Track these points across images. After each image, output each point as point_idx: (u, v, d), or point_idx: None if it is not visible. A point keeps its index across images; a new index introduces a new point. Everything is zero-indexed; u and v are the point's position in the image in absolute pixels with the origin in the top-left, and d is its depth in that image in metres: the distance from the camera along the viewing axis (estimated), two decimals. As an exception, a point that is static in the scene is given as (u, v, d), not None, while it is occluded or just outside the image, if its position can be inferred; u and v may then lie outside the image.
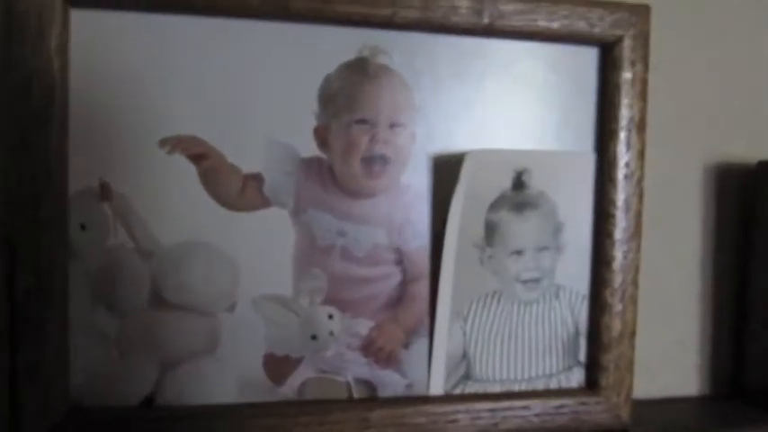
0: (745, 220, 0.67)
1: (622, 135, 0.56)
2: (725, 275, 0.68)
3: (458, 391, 0.55)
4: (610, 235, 0.56)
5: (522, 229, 0.55)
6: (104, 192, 0.49)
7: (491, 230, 0.54)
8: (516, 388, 0.56)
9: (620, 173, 0.56)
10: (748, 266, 0.66)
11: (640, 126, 0.56)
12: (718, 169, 0.67)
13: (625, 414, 0.58)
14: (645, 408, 0.63)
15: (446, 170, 0.53)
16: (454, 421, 0.54)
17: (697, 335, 0.68)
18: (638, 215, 0.57)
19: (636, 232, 0.57)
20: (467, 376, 0.55)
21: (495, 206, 0.54)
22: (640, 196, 0.57)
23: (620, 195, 0.56)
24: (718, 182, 0.67)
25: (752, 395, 0.66)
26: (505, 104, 0.55)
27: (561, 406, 0.56)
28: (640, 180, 0.57)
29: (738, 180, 0.67)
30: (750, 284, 0.66)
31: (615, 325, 0.57)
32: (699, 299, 0.68)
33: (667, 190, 0.66)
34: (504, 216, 0.54)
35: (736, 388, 0.68)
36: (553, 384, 0.57)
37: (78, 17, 0.47)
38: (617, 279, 0.57)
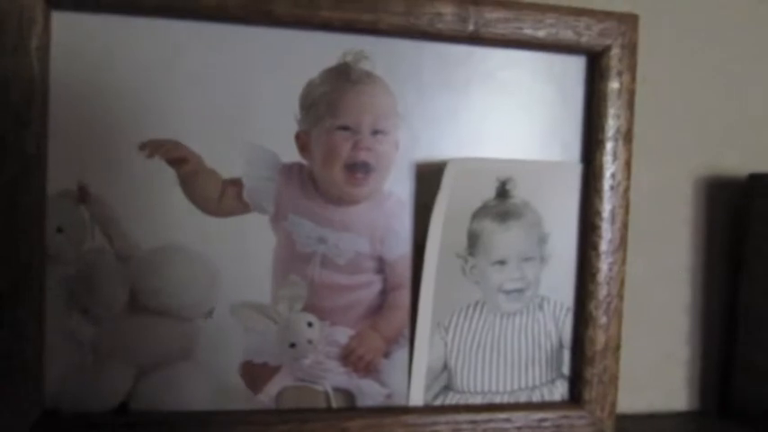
0: (735, 233, 0.66)
1: (609, 145, 0.55)
2: (715, 289, 0.67)
3: (438, 402, 0.54)
4: (595, 247, 0.56)
5: (505, 239, 0.54)
6: (82, 194, 0.48)
7: (474, 240, 0.53)
8: (498, 400, 0.55)
9: (607, 184, 0.55)
10: (738, 280, 0.65)
11: (627, 137, 0.55)
12: (708, 182, 0.66)
13: (609, 428, 0.57)
14: (630, 422, 0.62)
15: (429, 178, 0.52)
16: (433, 432, 0.54)
17: (686, 349, 0.67)
18: (624, 227, 0.56)
19: (621, 244, 0.56)
20: (448, 387, 0.55)
21: (478, 215, 0.53)
22: (627, 208, 0.56)
23: (606, 206, 0.55)
24: (708, 195, 0.67)
25: (739, 411, 0.65)
26: (491, 113, 0.54)
27: (543, 419, 0.56)
28: (627, 191, 0.56)
29: (729, 193, 0.66)
30: (740, 298, 0.65)
31: (599, 338, 0.56)
32: (688, 313, 0.67)
33: (658, 202, 0.65)
34: (488, 226, 0.54)
35: (725, 403, 0.67)
36: (536, 397, 0.56)
37: (59, 19, 0.47)
38: (602, 291, 0.56)
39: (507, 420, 0.55)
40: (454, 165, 0.51)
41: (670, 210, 0.66)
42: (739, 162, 0.66)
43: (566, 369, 0.57)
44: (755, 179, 0.64)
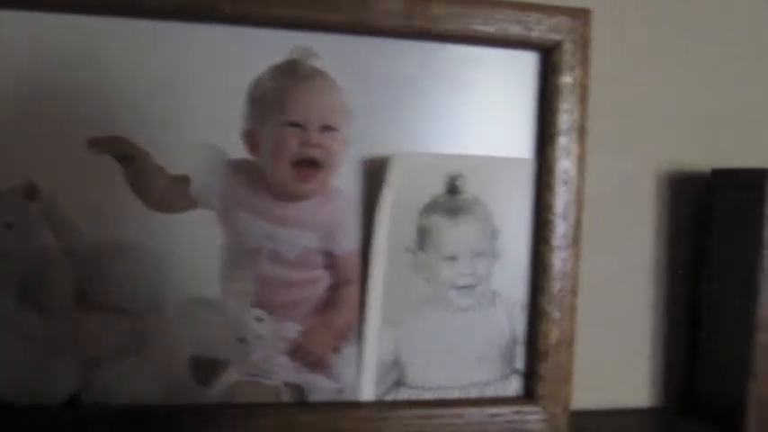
0: (698, 228, 0.66)
1: (561, 141, 0.55)
2: (678, 285, 0.67)
3: (389, 397, 0.55)
4: (547, 242, 0.55)
5: (455, 234, 0.54)
6: (31, 191, 0.49)
7: (424, 235, 0.54)
8: (450, 395, 0.56)
9: (559, 179, 0.55)
10: (701, 276, 0.65)
11: (581, 132, 0.55)
12: (672, 177, 0.66)
13: (562, 424, 0.57)
14: (590, 419, 0.62)
15: (378, 174, 0.52)
16: (384, 427, 0.54)
17: (649, 345, 0.67)
18: (578, 222, 0.56)
19: (575, 240, 0.56)
20: (399, 383, 0.55)
21: (427, 211, 0.53)
22: (580, 203, 0.56)
23: (559, 202, 0.55)
24: (672, 190, 0.66)
25: (702, 408, 0.64)
26: (441, 109, 0.54)
27: (496, 414, 0.56)
28: (580, 187, 0.56)
29: (692, 188, 0.66)
30: (703, 294, 0.65)
31: (553, 333, 0.56)
32: (651, 309, 0.67)
33: (621, 198, 0.65)
34: (438, 221, 0.54)
35: (689, 400, 0.66)
36: (489, 392, 0.56)
37: (3, 17, 0.48)
38: (555, 287, 0.56)
39: (459, 416, 0.55)
40: (399, 160, 0.52)
41: (633, 206, 0.66)
42: (702, 157, 0.66)
43: (519, 365, 0.57)
44: (718, 174, 0.63)
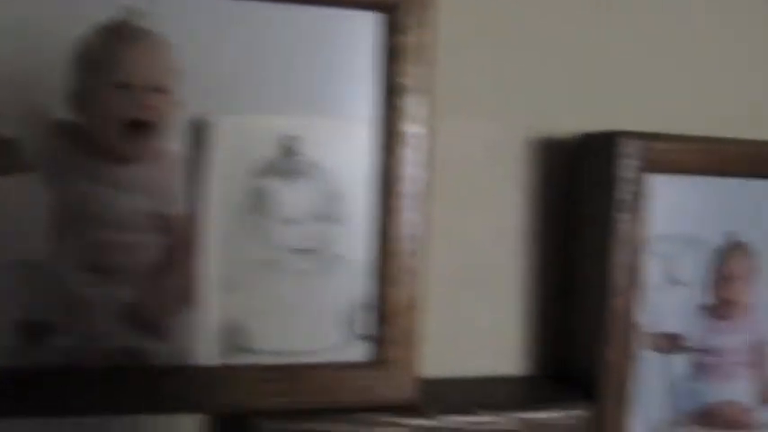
0: (570, 194, 0.65)
1: (404, 103, 0.54)
2: (549, 252, 0.66)
3: (230, 362, 0.54)
4: (390, 206, 0.55)
5: (293, 197, 0.54)
6: None
7: (259, 198, 0.53)
8: (295, 360, 0.55)
9: (403, 141, 0.55)
10: (572, 243, 0.64)
11: (425, 93, 0.54)
12: (542, 143, 0.65)
13: (410, 389, 0.56)
14: (450, 386, 0.62)
15: (208, 137, 0.52)
16: (226, 392, 0.53)
17: (522, 313, 0.66)
18: (424, 185, 0.55)
19: (421, 203, 0.55)
20: (240, 347, 0.54)
21: (262, 173, 0.53)
22: (426, 166, 0.55)
23: (403, 165, 0.55)
24: (543, 155, 0.65)
25: (576, 375, 0.64)
26: (277, 69, 0.53)
27: (342, 379, 0.55)
28: (426, 149, 0.55)
29: (564, 154, 0.65)
30: (574, 261, 0.64)
31: (398, 298, 0.55)
32: (522, 276, 0.66)
33: (491, 163, 0.64)
34: (274, 184, 0.53)
35: (559, 368, 0.66)
36: (335, 357, 0.56)
37: None
38: (400, 250, 0.55)
39: (301, 380, 0.55)
40: (229, 122, 0.51)
41: (502, 171, 0.65)
42: (575, 122, 0.65)
43: (365, 330, 0.56)
44: (588, 138, 0.63)
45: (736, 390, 0.64)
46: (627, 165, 0.58)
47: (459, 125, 0.63)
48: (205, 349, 0.54)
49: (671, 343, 0.63)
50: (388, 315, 0.55)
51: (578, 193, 0.63)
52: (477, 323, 0.65)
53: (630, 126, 0.62)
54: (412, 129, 0.55)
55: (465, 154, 0.64)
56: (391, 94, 0.54)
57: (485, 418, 0.56)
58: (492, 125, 0.64)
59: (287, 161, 0.53)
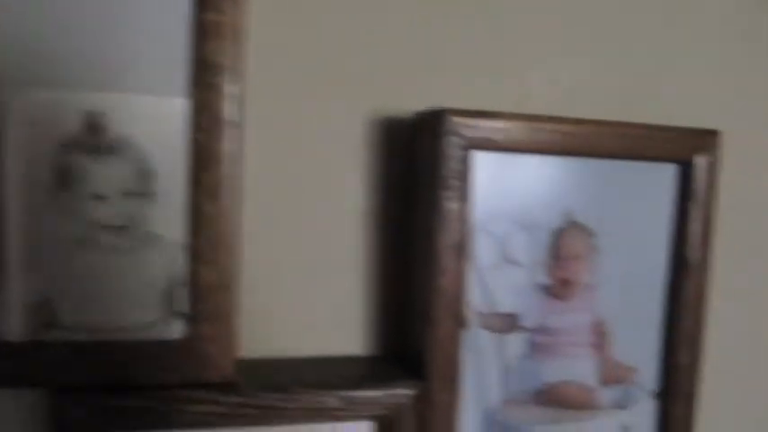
0: (408, 174, 0.65)
1: (214, 81, 0.54)
2: (390, 232, 0.66)
3: (39, 338, 0.54)
4: (204, 184, 0.55)
5: (102, 174, 0.54)
6: None
7: (64, 174, 0.53)
8: (109, 337, 0.55)
9: (213, 120, 0.55)
10: (408, 222, 0.64)
11: (235, 72, 0.54)
12: (383, 122, 0.65)
13: (227, 367, 0.56)
14: (285, 365, 0.62)
15: (7, 113, 0.52)
16: (35, 368, 0.54)
17: (363, 293, 0.66)
18: (237, 163, 0.55)
19: (237, 184, 0.55)
20: (50, 324, 0.54)
21: (67, 149, 0.53)
22: (239, 145, 0.55)
23: (214, 143, 0.55)
24: (382, 136, 0.65)
25: (409, 355, 0.64)
26: (85, 42, 0.53)
27: (157, 356, 0.55)
28: (239, 128, 0.55)
29: (403, 133, 0.65)
30: (414, 242, 0.64)
31: (213, 277, 0.56)
32: (364, 256, 0.66)
33: (330, 144, 0.64)
34: (80, 160, 0.53)
35: (401, 348, 0.66)
36: (151, 335, 0.56)
37: None
38: (212, 228, 0.55)
39: (113, 353, 0.55)
40: (30, 99, 0.51)
41: (343, 152, 0.65)
42: (417, 101, 0.64)
43: (180, 307, 0.56)
44: (421, 116, 0.63)
45: (575, 369, 0.64)
46: (452, 142, 0.58)
47: (298, 106, 0.63)
48: (13, 324, 0.54)
49: (506, 323, 0.63)
50: (202, 293, 0.56)
51: (412, 172, 0.63)
52: (318, 304, 0.65)
53: (478, 106, 0.62)
54: (223, 108, 0.55)
55: (304, 134, 0.64)
56: (204, 71, 0.54)
57: (303, 396, 0.57)
58: (332, 105, 0.64)
59: (94, 137, 0.53)
